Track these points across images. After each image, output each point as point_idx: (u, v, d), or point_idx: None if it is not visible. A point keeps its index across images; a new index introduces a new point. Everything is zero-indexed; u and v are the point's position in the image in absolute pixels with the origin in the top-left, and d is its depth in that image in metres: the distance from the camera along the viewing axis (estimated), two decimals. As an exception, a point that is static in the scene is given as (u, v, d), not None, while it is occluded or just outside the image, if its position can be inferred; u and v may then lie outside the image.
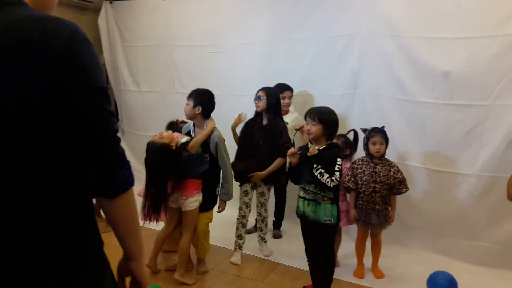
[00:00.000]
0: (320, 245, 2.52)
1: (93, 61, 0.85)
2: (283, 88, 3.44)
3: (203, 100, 2.80)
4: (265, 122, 3.09)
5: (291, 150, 2.48)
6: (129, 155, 1.26)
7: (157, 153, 2.48)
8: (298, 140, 3.72)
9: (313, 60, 3.66)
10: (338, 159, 2.40)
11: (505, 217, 2.97)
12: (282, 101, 3.27)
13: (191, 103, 2.79)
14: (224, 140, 2.86)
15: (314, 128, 2.41)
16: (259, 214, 3.25)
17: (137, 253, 0.99)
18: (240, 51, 4.05)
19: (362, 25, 3.39)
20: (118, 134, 0.91)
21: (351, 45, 3.48)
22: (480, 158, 3.04)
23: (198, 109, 2.78)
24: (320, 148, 2.42)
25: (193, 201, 2.69)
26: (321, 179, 2.36)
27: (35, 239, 0.84)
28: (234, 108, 3.40)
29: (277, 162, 3.05)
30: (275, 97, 3.08)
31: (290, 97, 3.50)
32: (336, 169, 2.37)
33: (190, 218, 2.72)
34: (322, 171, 2.37)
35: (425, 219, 3.27)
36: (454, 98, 3.07)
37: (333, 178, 2.36)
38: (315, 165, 2.37)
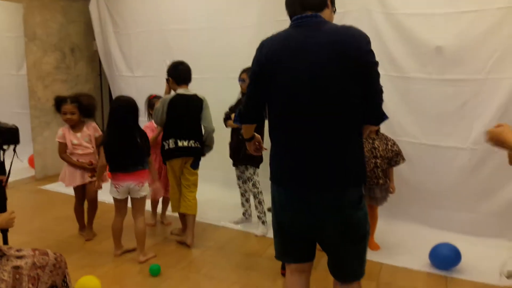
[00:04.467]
0: None
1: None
2: None
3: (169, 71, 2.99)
4: None
5: None
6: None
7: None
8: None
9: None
10: None
11: (498, 189, 3.03)
12: None
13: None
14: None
15: None
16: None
17: None
18: (232, 35, 4.05)
19: (354, 3, 3.39)
20: None
21: (344, 23, 3.46)
22: (473, 132, 3.08)
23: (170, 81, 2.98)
24: None
25: (145, 187, 2.84)
26: None
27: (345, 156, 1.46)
28: (231, 90, 3.41)
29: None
30: None
31: None
32: None
33: (143, 203, 2.88)
34: None
35: (421, 192, 3.32)
36: (447, 73, 3.11)
37: None
38: None
